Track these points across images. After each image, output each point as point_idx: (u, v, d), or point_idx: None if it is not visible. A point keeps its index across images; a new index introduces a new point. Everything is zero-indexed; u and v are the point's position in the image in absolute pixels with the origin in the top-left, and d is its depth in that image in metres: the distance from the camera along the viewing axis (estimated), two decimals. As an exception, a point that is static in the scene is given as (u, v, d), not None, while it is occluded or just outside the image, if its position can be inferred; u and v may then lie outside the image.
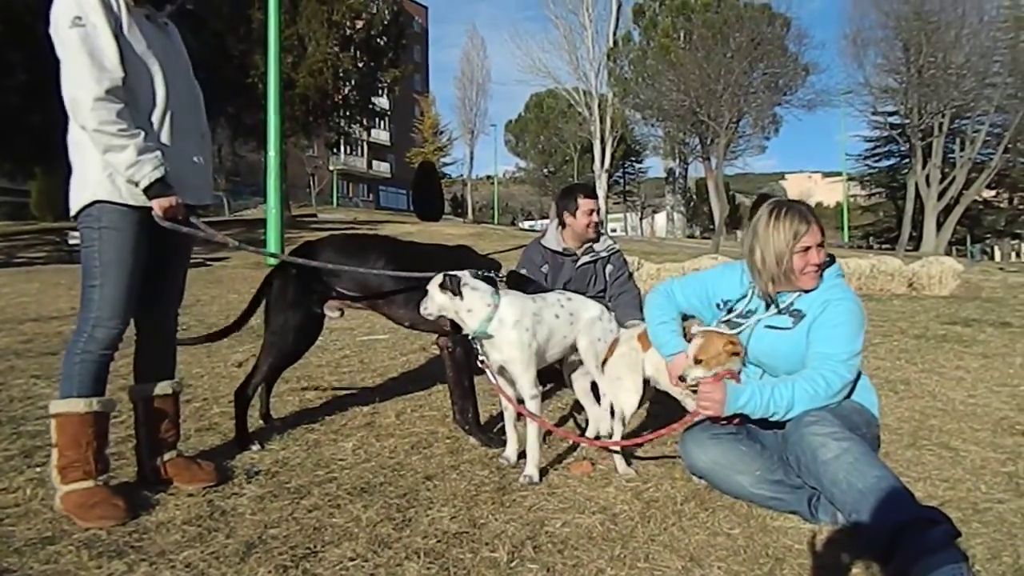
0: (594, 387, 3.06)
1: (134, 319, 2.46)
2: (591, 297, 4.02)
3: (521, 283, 3.24)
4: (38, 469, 2.60)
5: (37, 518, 2.22)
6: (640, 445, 2.95)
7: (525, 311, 2.72)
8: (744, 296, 2.59)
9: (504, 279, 3.14)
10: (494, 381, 2.76)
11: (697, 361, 2.46)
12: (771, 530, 2.28)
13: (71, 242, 15.98)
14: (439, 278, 2.69)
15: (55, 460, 2.27)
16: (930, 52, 31.62)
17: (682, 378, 2.52)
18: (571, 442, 3.08)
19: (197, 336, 3.25)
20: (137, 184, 2.26)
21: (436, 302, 2.69)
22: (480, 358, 2.74)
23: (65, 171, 2.39)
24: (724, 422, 2.42)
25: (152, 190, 2.28)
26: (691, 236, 49.83)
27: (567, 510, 2.38)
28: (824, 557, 2.11)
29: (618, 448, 2.77)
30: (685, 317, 2.78)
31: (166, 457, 2.55)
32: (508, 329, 2.67)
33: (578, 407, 3.39)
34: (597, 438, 2.95)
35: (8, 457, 2.76)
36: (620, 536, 2.19)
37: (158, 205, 2.30)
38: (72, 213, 2.36)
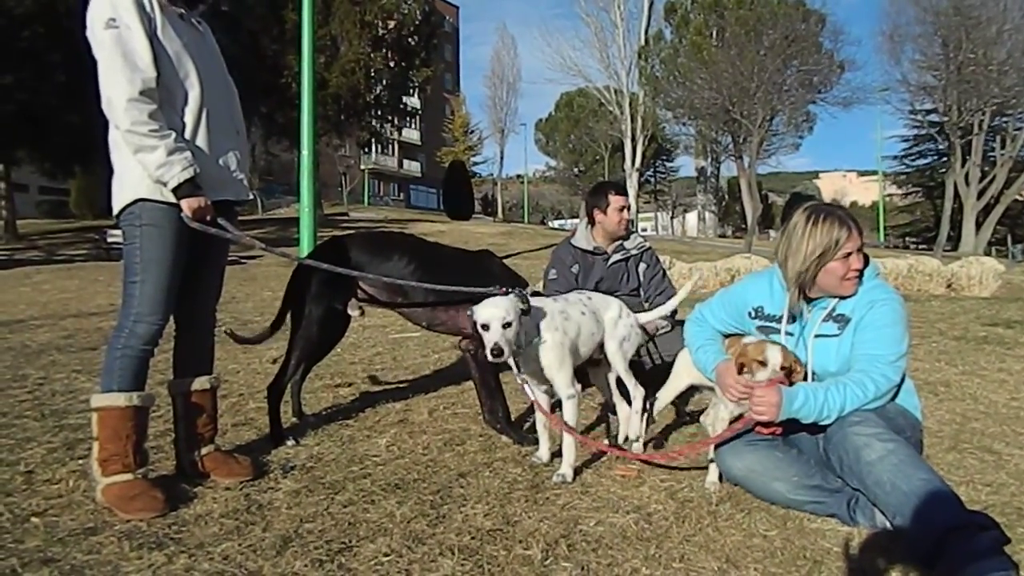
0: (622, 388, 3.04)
1: (173, 315, 2.50)
2: (624, 295, 4.00)
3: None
4: (80, 461, 2.66)
5: (80, 509, 2.27)
6: (678, 456, 2.84)
7: (552, 313, 2.70)
8: (779, 303, 2.55)
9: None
10: (533, 397, 2.72)
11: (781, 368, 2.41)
12: (809, 532, 2.24)
13: (110, 240, 16.33)
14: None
15: (96, 453, 2.31)
16: (970, 48, 30.88)
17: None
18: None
19: (244, 336, 3.31)
20: (166, 184, 2.28)
21: None
22: (521, 377, 2.67)
23: (106, 171, 2.43)
24: (771, 431, 2.38)
25: (181, 190, 2.29)
26: (723, 236, 49.34)
27: (601, 509, 2.36)
28: (863, 560, 2.08)
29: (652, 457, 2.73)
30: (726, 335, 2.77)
31: (204, 451, 2.58)
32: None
33: (608, 408, 3.36)
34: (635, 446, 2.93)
35: (51, 449, 2.83)
36: (655, 536, 2.18)
37: (187, 206, 2.32)
38: (115, 212, 2.40)
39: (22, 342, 5.19)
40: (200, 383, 2.60)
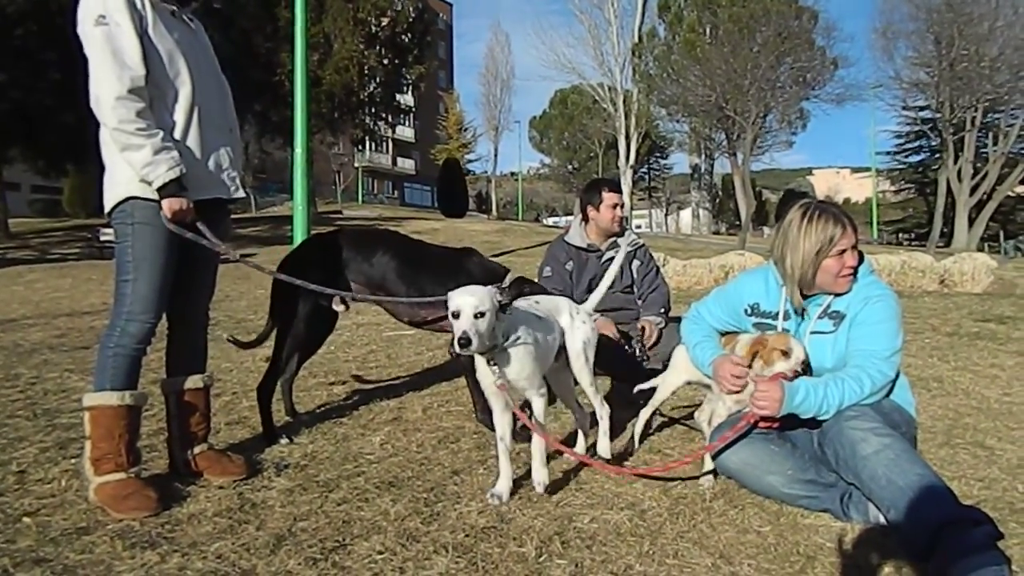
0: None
1: (166, 313, 2.49)
2: (618, 292, 4.00)
3: (523, 289, 3.15)
4: (73, 461, 2.65)
5: (72, 508, 2.26)
6: (677, 467, 2.66)
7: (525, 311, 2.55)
8: (775, 299, 2.57)
9: (507, 287, 3.10)
10: (512, 404, 2.47)
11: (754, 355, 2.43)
12: (802, 528, 2.25)
13: (102, 238, 16.26)
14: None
15: (89, 452, 2.30)
16: (962, 45, 31.09)
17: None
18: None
19: (244, 341, 3.33)
20: (151, 184, 2.26)
21: None
22: (498, 381, 2.40)
23: (98, 169, 2.42)
24: (768, 424, 2.39)
25: (166, 190, 2.28)
26: (717, 232, 49.45)
27: (595, 506, 2.37)
28: (856, 556, 2.08)
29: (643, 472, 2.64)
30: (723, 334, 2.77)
31: (197, 450, 2.57)
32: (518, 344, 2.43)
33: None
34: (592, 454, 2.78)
35: (43, 449, 2.82)
36: (649, 532, 2.18)
37: (168, 206, 2.29)
38: (106, 210, 2.39)
39: (14, 341, 5.17)
40: (193, 381, 2.59)
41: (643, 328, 3.89)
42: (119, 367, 2.33)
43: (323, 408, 3.55)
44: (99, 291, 8.17)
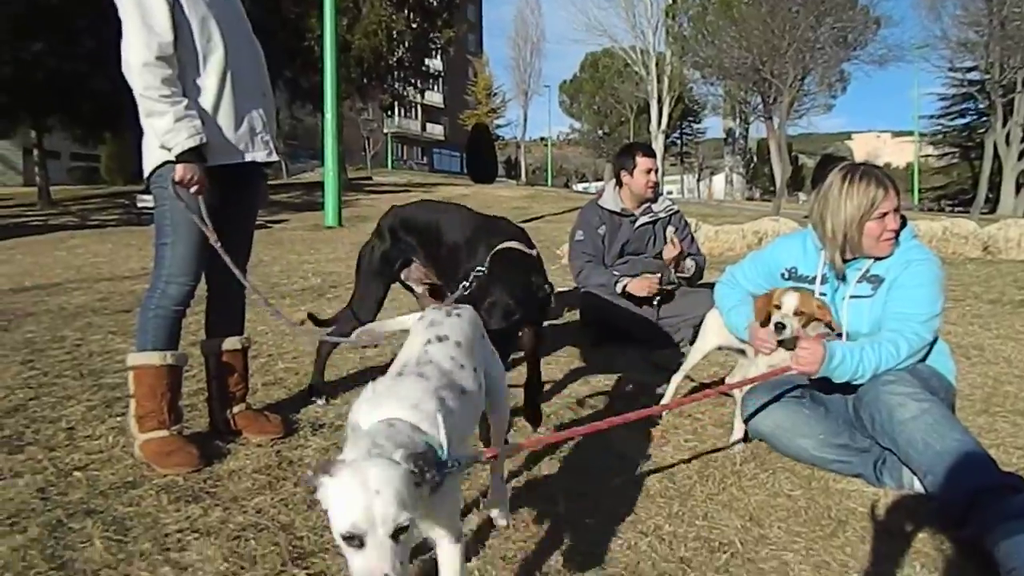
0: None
1: (205, 276, 2.53)
2: (650, 258, 3.98)
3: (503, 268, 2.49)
4: (119, 418, 2.73)
5: (119, 464, 2.35)
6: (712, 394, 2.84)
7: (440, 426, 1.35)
8: (812, 263, 2.54)
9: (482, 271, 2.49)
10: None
11: (797, 313, 2.39)
12: (834, 492, 2.25)
13: (140, 205, 16.51)
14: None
15: (133, 410, 2.38)
16: (1015, 2, 29.75)
17: (779, 326, 2.36)
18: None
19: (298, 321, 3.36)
20: (171, 150, 2.27)
21: None
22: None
23: (135, 136, 2.45)
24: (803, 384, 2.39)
25: (183, 158, 2.28)
26: (750, 198, 48.66)
27: (625, 468, 2.39)
28: (888, 521, 2.08)
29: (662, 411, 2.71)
30: None
31: (235, 410, 2.64)
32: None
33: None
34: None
35: (91, 407, 2.91)
36: (678, 494, 2.20)
37: (181, 170, 2.28)
38: (145, 175, 2.43)
39: (59, 304, 5.31)
40: (231, 343, 2.65)
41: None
42: (160, 328, 2.39)
43: (356, 371, 3.61)
44: (138, 256, 8.31)
